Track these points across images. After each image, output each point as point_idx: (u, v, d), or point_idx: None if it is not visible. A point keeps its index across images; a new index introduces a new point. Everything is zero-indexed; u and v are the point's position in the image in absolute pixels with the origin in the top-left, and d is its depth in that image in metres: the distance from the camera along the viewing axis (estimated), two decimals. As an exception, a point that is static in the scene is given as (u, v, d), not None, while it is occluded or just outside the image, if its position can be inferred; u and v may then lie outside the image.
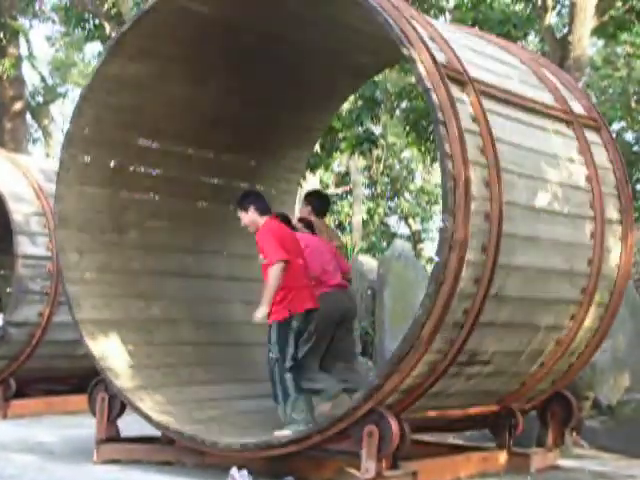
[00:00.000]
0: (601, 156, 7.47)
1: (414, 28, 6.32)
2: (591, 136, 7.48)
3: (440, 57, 6.34)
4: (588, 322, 7.25)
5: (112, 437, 7.57)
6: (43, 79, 30.25)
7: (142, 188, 8.39)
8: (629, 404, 8.80)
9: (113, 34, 17.19)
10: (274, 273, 7.04)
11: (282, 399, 7.12)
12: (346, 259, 8.01)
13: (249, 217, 7.39)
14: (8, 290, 12.63)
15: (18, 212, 10.61)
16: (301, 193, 14.86)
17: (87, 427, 8.14)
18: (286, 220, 7.74)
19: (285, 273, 7.09)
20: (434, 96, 6.06)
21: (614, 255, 7.32)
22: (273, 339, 7.15)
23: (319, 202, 8.24)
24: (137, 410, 7.34)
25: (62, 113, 35.73)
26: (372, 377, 7.03)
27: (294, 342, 7.18)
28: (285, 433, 6.84)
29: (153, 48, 7.70)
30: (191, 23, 7.60)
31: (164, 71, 7.89)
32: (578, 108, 7.59)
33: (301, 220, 8.19)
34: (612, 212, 7.38)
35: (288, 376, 7.11)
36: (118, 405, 7.53)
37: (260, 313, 7.10)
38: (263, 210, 7.40)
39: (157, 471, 7.05)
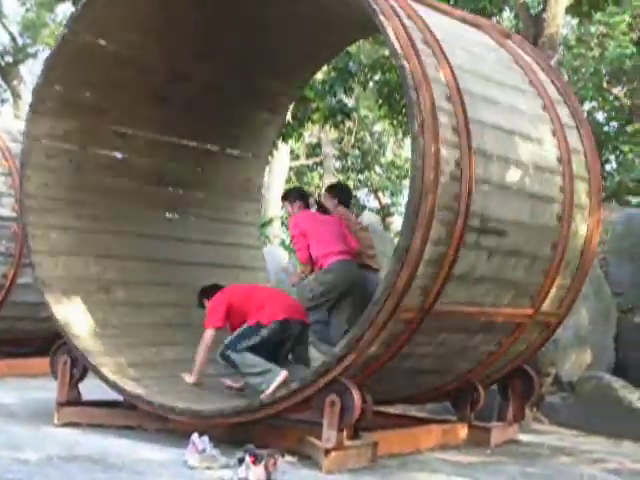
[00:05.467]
0: (573, 137, 7.43)
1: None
2: (565, 117, 7.44)
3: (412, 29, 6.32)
4: (549, 301, 7.26)
5: (73, 400, 7.56)
6: (13, 39, 29.81)
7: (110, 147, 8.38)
8: (590, 381, 8.87)
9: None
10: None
11: (241, 374, 7.24)
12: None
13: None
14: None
15: (-17, 172, 10.49)
16: (272, 162, 14.74)
17: (49, 390, 8.09)
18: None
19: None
20: (406, 65, 6.04)
21: (580, 235, 7.32)
22: (234, 334, 7.26)
23: (343, 194, 8.79)
24: (98, 374, 7.31)
25: (32, 73, 35.27)
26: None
27: (253, 348, 7.18)
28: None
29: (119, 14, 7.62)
30: None
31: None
32: (552, 89, 7.56)
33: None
34: (581, 194, 7.34)
35: (228, 352, 7.17)
36: (80, 368, 7.51)
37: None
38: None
39: (117, 435, 7.04)
